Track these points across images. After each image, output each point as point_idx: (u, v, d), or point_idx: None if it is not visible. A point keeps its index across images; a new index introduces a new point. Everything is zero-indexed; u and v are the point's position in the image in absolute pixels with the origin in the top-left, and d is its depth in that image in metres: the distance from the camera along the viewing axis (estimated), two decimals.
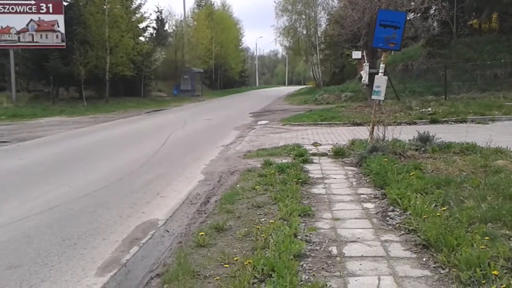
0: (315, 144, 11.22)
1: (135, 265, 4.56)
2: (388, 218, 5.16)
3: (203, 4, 64.04)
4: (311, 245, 4.40)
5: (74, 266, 4.52)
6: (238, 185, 7.20)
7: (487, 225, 4.47)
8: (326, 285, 3.55)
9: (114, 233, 5.47)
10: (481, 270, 3.45)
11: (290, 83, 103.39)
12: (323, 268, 3.91)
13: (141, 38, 37.81)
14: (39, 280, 4.23)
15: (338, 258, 4.10)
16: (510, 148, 8.46)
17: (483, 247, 3.88)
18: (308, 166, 8.40)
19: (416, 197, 5.46)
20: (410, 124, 14.88)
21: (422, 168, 7.23)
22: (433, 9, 25.54)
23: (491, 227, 4.45)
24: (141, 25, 37.64)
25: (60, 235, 5.39)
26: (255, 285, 3.59)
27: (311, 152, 9.79)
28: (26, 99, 28.64)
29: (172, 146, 12.37)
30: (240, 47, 76.32)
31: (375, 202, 5.92)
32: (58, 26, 28.55)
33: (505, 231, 4.39)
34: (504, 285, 3.28)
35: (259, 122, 18.63)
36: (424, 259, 4.00)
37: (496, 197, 5.28)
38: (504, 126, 14.03)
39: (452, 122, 15.16)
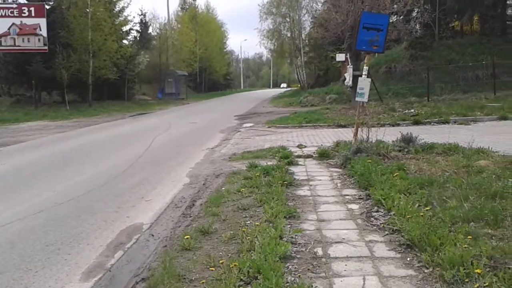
0: (300, 146, 11.26)
1: (120, 270, 4.53)
2: (372, 219, 5.20)
3: (187, 7, 63.96)
4: (296, 247, 4.42)
5: (58, 272, 4.47)
6: (223, 188, 7.19)
7: (469, 225, 4.53)
8: (312, 286, 3.56)
9: (98, 238, 5.42)
10: (464, 269, 3.49)
11: (275, 85, 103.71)
12: (308, 269, 3.92)
13: (125, 41, 37.58)
14: (23, 286, 4.18)
15: (323, 259, 4.11)
16: (492, 148, 8.58)
17: (466, 246, 3.93)
18: (293, 168, 8.42)
19: (400, 197, 5.50)
20: (393, 125, 15.01)
21: (405, 168, 7.29)
22: (416, 11, 25.87)
23: (474, 226, 4.50)
24: (125, 28, 37.50)
25: (44, 241, 5.34)
26: None
27: (296, 154, 9.82)
28: (8, 104, 28.31)
29: (157, 150, 12.31)
30: (225, 50, 76.44)
31: (359, 203, 5.96)
32: (40, 30, 28.28)
33: (488, 230, 4.45)
34: (487, 284, 3.32)
35: (244, 125, 18.63)
36: (408, 259, 4.03)
37: (478, 197, 5.35)
38: (486, 126, 14.22)
39: (434, 123, 15.31)
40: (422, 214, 4.80)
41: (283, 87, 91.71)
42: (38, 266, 4.62)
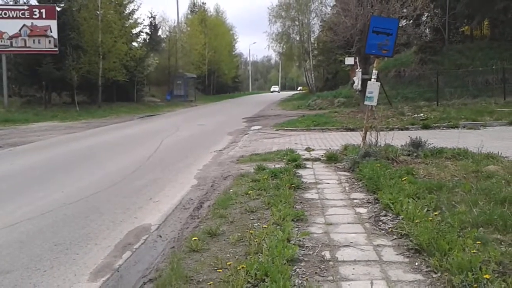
0: (308, 149, 11.25)
1: (128, 270, 4.54)
2: (380, 223, 5.18)
3: (197, 10, 64.20)
4: (304, 250, 4.41)
5: (67, 271, 4.49)
6: (231, 190, 7.19)
7: (478, 230, 4.50)
8: None
9: (106, 238, 5.45)
10: (473, 274, 3.46)
11: (283, 88, 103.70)
12: (316, 272, 3.91)
13: (134, 44, 37.79)
14: (31, 286, 4.20)
15: (331, 263, 4.10)
16: (501, 153, 8.52)
17: (474, 251, 3.91)
18: (301, 171, 8.41)
19: (409, 202, 5.48)
20: (402, 129, 14.95)
21: (414, 173, 7.27)
22: (425, 16, 25.79)
23: (483, 232, 4.47)
24: (134, 31, 37.68)
25: (52, 241, 5.36)
26: None
27: (304, 157, 9.81)
28: (18, 104, 28.52)
29: (165, 152, 12.35)
30: (234, 53, 76.59)
31: (367, 207, 5.94)
32: (51, 31, 28.47)
33: (497, 235, 4.42)
34: None
35: (252, 128, 18.65)
36: (416, 264, 4.01)
37: (487, 202, 5.32)
38: (495, 131, 14.13)
39: (444, 128, 15.26)
40: (430, 218, 4.78)
41: (273, 91, 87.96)
42: (46, 265, 4.65)
